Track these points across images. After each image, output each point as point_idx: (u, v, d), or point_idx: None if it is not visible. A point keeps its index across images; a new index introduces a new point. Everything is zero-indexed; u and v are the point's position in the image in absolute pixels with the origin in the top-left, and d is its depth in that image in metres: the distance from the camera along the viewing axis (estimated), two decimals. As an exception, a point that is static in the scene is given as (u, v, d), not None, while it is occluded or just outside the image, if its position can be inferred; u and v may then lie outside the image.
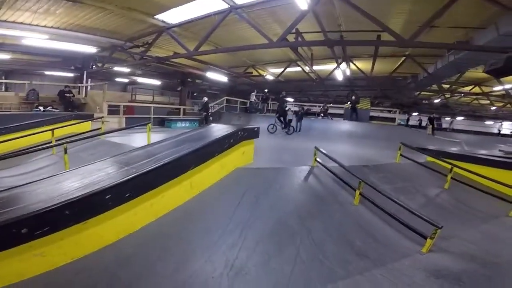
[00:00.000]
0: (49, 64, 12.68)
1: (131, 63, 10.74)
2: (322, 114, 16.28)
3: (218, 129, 5.38)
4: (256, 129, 5.53)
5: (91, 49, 9.83)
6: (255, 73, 14.15)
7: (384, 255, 3.03)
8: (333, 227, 3.49)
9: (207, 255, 2.79)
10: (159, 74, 16.08)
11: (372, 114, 16.36)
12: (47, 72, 13.90)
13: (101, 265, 2.50)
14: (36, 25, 7.30)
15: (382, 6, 6.14)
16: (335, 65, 11.48)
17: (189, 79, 16.49)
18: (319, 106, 17.58)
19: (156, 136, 7.06)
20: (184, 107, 15.57)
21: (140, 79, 16.53)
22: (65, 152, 5.39)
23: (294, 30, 6.69)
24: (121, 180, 2.85)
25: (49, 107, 10.63)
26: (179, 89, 17.29)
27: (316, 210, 3.83)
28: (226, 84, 17.50)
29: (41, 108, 10.45)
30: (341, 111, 16.91)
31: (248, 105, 16.79)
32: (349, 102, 15.46)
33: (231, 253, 2.86)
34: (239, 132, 5.04)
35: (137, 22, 7.67)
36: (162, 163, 3.33)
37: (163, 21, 7.60)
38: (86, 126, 9.09)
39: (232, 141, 4.82)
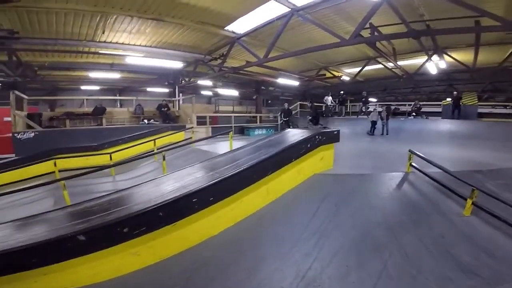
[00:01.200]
0: (149, 81, 15.17)
1: (212, 76, 11.83)
2: (413, 113, 14.27)
3: (294, 134, 5.33)
4: (336, 132, 5.21)
5: (178, 64, 11.28)
6: (328, 75, 13.58)
7: (502, 274, 2.41)
8: (432, 240, 2.96)
9: (279, 263, 2.74)
10: (236, 84, 17.24)
11: (481, 110, 13.38)
12: (148, 89, 16.71)
13: (181, 266, 2.70)
14: (133, 45, 8.78)
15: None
16: (424, 58, 10.00)
17: (262, 87, 17.11)
18: (410, 105, 15.44)
19: (238, 143, 7.50)
20: (260, 114, 16.20)
21: (221, 91, 18.08)
22: (163, 159, 6.33)
23: (368, 25, 6.14)
24: (206, 184, 3.11)
25: (151, 120, 12.70)
26: (254, 97, 18.12)
27: (410, 221, 3.32)
28: (299, 89, 17.39)
29: (146, 121, 12.58)
30: (438, 109, 14.45)
31: (323, 109, 16.23)
32: (449, 98, 13.12)
33: (304, 263, 2.73)
34: (317, 137, 4.85)
35: (212, 35, 8.37)
36: (242, 168, 3.49)
37: (233, 32, 8.11)
38: (180, 136, 10.45)
39: (309, 145, 4.68)
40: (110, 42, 8.35)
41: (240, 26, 7.67)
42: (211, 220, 3.21)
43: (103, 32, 7.55)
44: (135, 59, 9.87)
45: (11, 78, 8.86)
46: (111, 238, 2.54)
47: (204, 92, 19.32)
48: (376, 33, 6.57)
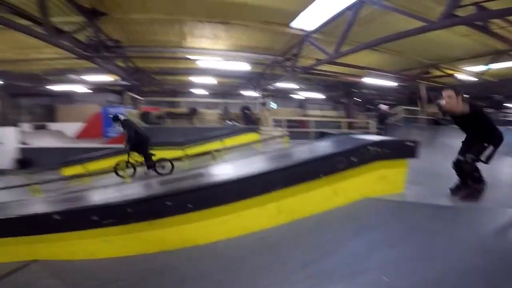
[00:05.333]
0: (240, 85, 16.18)
1: (287, 77, 11.44)
2: None
3: (336, 142, 4.35)
4: (410, 144, 3.64)
5: (257, 67, 11.46)
6: (437, 73, 10.76)
7: None
8: None
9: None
10: (322, 87, 16.16)
11: None
12: (243, 92, 17.84)
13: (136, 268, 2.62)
14: (213, 49, 9.31)
15: None
16: None
17: (353, 89, 15.34)
18: None
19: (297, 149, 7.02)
20: (350, 120, 14.61)
21: (307, 94, 17.41)
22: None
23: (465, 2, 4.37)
24: (182, 188, 2.97)
25: (233, 121, 13.58)
26: (344, 101, 16.54)
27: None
28: (402, 91, 14.60)
29: (229, 122, 13.56)
30: None
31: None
32: None
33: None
34: (370, 147, 3.53)
35: (279, 34, 8.02)
36: (236, 177, 3.09)
37: (301, 30, 7.51)
38: (254, 137, 10.72)
39: (354, 159, 3.49)
40: (194, 48, 9.30)
41: (308, 23, 7.04)
42: (194, 228, 2.99)
43: (186, 38, 8.47)
44: (215, 63, 10.66)
45: (129, 82, 11.25)
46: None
47: (296, 97, 19.13)
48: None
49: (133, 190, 3.68)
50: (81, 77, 11.28)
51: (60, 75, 11.47)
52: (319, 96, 17.47)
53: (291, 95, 18.88)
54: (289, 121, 13.17)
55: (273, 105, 16.93)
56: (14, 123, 12.65)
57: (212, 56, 10.03)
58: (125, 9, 6.37)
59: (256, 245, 2.84)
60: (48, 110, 16.39)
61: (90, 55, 7.63)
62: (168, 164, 7.20)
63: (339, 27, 6.57)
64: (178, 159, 7.74)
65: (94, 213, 2.67)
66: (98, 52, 7.56)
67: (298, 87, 15.23)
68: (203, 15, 6.97)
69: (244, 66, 10.90)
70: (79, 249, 2.73)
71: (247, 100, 15.37)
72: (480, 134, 3.23)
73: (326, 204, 3.40)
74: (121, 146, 10.93)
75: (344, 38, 6.51)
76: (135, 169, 7.15)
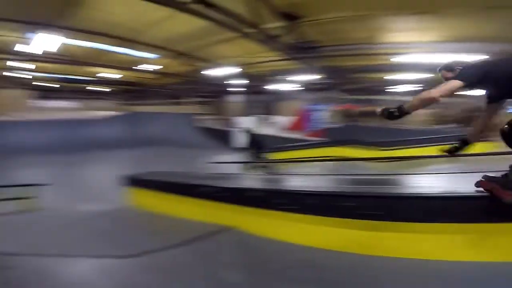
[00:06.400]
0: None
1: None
2: None
3: None
4: None
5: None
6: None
7: None
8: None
9: None
10: None
11: None
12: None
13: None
14: (419, 42, 7.76)
15: None
16: None
17: None
18: None
19: None
20: None
21: None
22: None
23: None
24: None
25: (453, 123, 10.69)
26: None
27: None
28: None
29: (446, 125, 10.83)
30: None
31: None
32: None
33: None
34: None
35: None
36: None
37: None
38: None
39: None
40: (396, 43, 8.18)
41: None
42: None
43: (387, 33, 7.61)
44: (423, 57, 8.79)
45: (329, 80, 11.80)
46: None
47: None
48: None
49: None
50: (290, 77, 13.05)
51: (276, 75, 13.92)
52: None
53: None
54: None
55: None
56: (249, 114, 17.25)
57: (419, 50, 8.36)
58: (318, 10, 6.48)
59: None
60: (269, 105, 20.87)
61: (294, 56, 8.38)
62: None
63: None
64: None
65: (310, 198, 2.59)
66: (301, 53, 8.16)
67: None
68: (404, 7, 5.94)
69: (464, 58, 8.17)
70: (275, 229, 2.72)
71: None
72: None
73: None
74: (321, 139, 12.00)
75: None
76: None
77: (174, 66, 12.66)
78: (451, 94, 1.77)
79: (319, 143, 10.56)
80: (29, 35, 7.46)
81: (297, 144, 10.35)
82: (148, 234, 3.19)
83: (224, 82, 15.08)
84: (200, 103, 21.82)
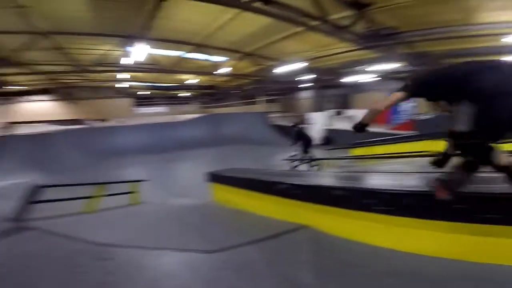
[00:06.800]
0: None
1: None
2: None
3: None
4: None
5: None
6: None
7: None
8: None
9: None
10: None
11: None
12: None
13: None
14: None
15: None
16: None
17: None
18: None
19: None
20: None
21: None
22: None
23: None
24: None
25: None
26: None
27: None
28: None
29: None
30: None
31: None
32: None
33: None
34: None
35: None
36: None
37: None
38: None
39: None
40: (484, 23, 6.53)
41: None
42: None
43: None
44: None
45: (414, 68, 10.12)
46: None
47: None
48: None
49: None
50: (367, 67, 11.82)
51: (350, 67, 12.80)
52: None
53: None
54: None
55: None
56: (321, 109, 16.42)
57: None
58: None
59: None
60: (344, 98, 19.47)
61: (369, 45, 7.65)
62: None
63: None
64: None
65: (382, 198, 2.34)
66: (376, 41, 7.39)
67: None
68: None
69: None
70: (349, 228, 2.56)
71: None
72: None
73: None
74: (406, 133, 10.45)
75: None
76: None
77: (245, 67, 13.03)
78: (394, 105, 2.13)
79: (407, 137, 9.16)
80: (127, 48, 8.71)
81: (383, 138, 9.23)
82: (231, 231, 3.25)
83: (295, 78, 14.75)
84: (272, 101, 22.10)
